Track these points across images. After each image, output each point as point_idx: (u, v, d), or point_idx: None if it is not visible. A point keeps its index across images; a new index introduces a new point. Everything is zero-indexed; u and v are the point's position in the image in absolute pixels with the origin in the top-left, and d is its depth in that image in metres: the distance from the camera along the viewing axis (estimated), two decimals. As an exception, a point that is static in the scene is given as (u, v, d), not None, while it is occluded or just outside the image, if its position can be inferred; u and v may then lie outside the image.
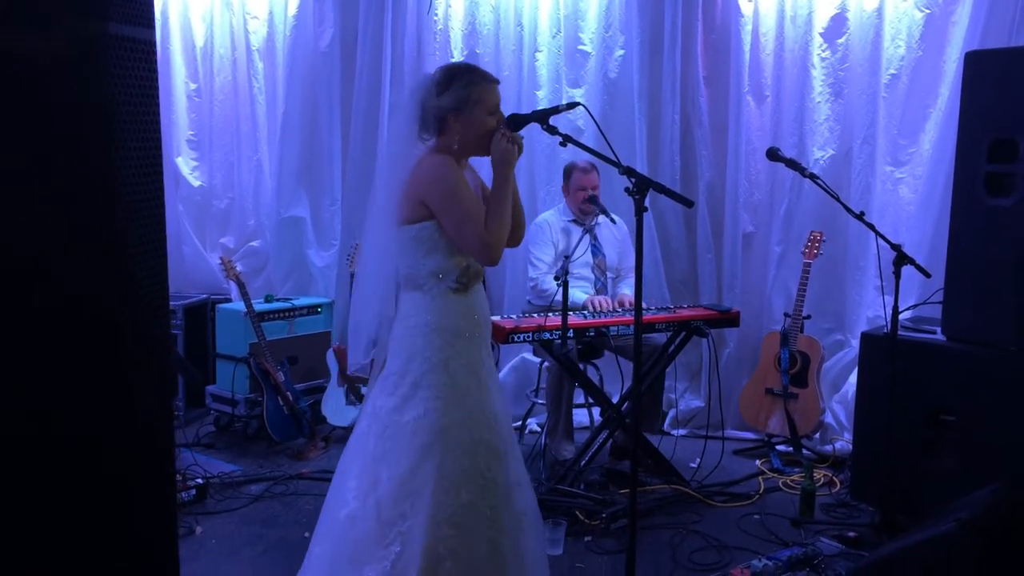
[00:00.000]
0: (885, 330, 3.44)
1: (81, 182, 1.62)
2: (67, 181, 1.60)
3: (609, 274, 4.38)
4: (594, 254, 4.34)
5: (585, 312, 4.00)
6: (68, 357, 1.64)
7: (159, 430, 1.87)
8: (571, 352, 4.01)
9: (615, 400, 4.10)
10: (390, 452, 2.36)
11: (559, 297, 3.67)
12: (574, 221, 4.32)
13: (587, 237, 4.25)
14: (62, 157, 1.59)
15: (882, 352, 3.44)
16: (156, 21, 5.32)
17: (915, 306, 3.95)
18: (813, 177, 3.54)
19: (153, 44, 1.76)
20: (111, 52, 1.63)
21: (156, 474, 1.87)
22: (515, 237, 2.54)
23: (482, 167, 2.55)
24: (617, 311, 4.05)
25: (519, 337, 3.73)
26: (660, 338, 4.19)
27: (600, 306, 4.06)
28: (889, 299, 3.36)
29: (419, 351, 2.39)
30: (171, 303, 4.75)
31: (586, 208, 4.19)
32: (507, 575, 2.39)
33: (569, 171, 4.29)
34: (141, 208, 1.75)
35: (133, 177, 1.71)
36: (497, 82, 2.47)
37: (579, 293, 4.19)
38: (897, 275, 3.28)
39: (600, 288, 4.32)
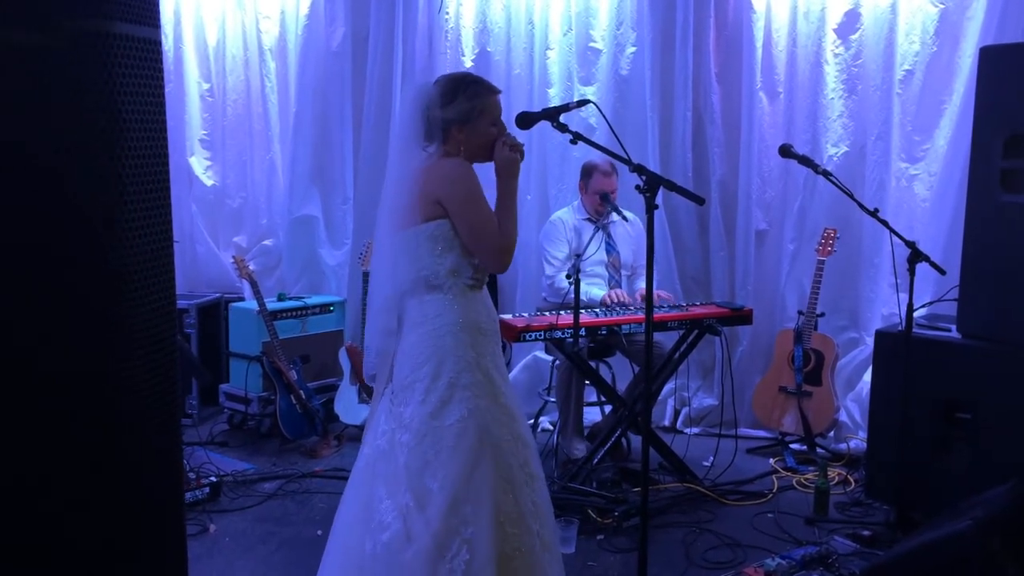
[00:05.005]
0: (900, 328, 3.41)
1: (84, 182, 1.62)
2: (70, 181, 1.60)
3: (623, 272, 4.37)
4: (608, 252, 4.32)
5: (597, 310, 3.99)
6: (65, 361, 1.63)
7: (165, 433, 1.86)
8: (582, 350, 4.01)
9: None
10: (435, 461, 2.28)
11: (573, 295, 3.66)
12: (589, 219, 4.30)
13: (600, 235, 4.23)
14: (65, 156, 1.59)
15: (897, 350, 3.42)
16: (169, 21, 5.38)
17: (930, 303, 3.92)
18: (826, 174, 3.52)
19: (159, 44, 1.75)
20: (115, 51, 1.62)
21: (161, 478, 1.87)
22: None
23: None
24: (631, 308, 4.04)
25: (531, 336, 3.73)
26: (668, 343, 4.17)
27: (618, 299, 4.05)
28: (904, 296, 3.34)
29: (450, 351, 2.35)
30: (184, 302, 4.79)
31: (602, 208, 4.18)
32: (552, 569, 2.40)
33: (589, 171, 4.24)
34: (147, 209, 1.74)
35: (138, 179, 1.70)
36: (499, 92, 2.48)
37: (597, 291, 4.18)
38: (912, 272, 3.25)
39: (614, 286, 4.31)
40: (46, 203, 1.58)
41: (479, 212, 2.36)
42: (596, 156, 4.11)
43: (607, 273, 4.32)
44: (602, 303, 4.09)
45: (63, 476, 1.65)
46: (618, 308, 4.01)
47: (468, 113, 2.40)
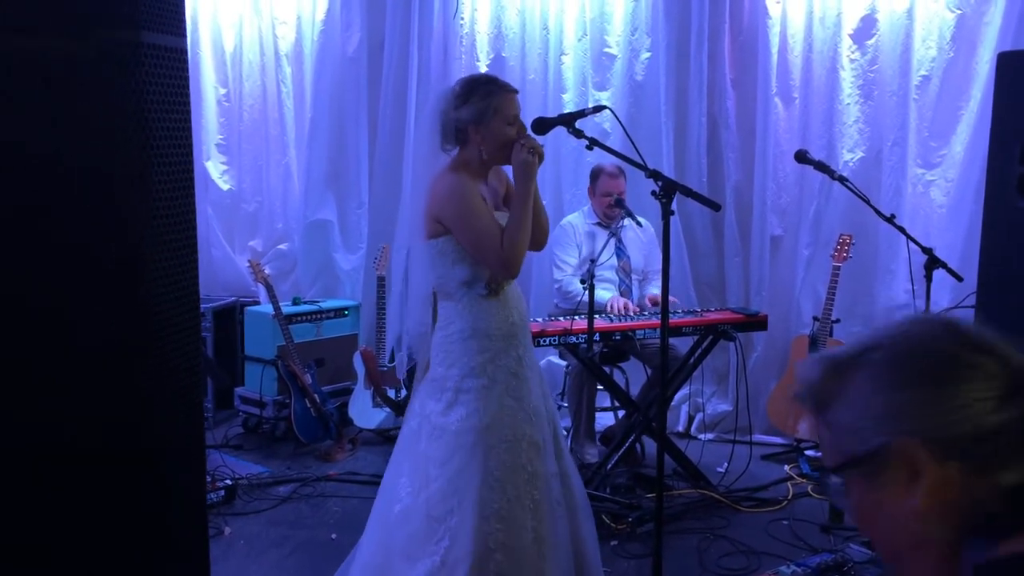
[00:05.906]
0: (916, 334, 3.39)
1: (114, 189, 1.64)
2: (100, 188, 1.62)
3: (634, 276, 4.36)
4: (619, 256, 4.31)
5: (611, 316, 3.99)
6: (93, 365, 1.66)
7: (189, 438, 1.89)
8: (596, 356, 4.00)
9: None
10: (437, 452, 2.46)
11: (585, 299, 3.66)
12: (599, 224, 4.30)
13: (612, 240, 4.23)
14: (95, 163, 1.62)
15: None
16: (186, 27, 5.42)
17: (947, 310, 3.90)
18: (842, 179, 3.51)
19: (184, 52, 1.80)
20: (143, 60, 1.65)
21: (185, 479, 1.89)
22: (538, 242, 2.58)
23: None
24: (635, 315, 4.03)
25: (545, 341, 3.73)
26: (682, 348, 4.16)
27: (619, 309, 4.03)
28: (920, 303, 3.33)
29: (458, 357, 2.47)
30: (200, 306, 4.80)
31: (611, 212, 4.17)
32: (549, 563, 2.46)
33: (596, 174, 4.26)
34: (173, 214, 1.78)
35: (165, 182, 1.74)
36: (516, 92, 2.51)
37: (602, 292, 4.17)
38: (928, 279, 3.24)
39: (624, 291, 4.30)
40: (75, 211, 1.61)
41: (478, 226, 2.42)
42: (606, 159, 4.12)
43: (617, 278, 4.31)
44: (606, 310, 4.07)
45: (90, 466, 1.68)
46: (628, 315, 4.00)
47: (483, 113, 2.42)
